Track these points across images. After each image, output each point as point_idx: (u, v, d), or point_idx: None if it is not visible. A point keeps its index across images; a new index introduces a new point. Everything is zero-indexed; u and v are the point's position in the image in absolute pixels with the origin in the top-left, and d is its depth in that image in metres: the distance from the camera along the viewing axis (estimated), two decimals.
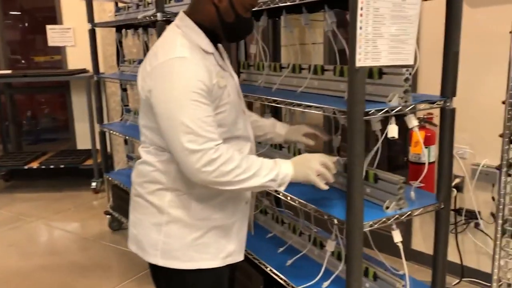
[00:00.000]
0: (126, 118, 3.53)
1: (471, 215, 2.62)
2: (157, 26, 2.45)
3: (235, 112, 1.45)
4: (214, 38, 1.43)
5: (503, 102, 1.40)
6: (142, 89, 1.39)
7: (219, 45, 1.51)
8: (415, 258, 2.94)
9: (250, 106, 2.26)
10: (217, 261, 1.48)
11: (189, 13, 1.42)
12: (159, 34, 2.44)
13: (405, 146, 2.90)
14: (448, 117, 1.60)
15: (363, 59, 1.37)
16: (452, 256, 2.70)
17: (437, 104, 1.57)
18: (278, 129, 1.78)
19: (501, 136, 1.41)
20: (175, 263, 1.44)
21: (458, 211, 2.67)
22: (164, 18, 2.45)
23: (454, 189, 2.65)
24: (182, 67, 1.28)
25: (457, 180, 2.65)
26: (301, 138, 1.75)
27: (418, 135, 1.78)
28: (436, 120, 2.70)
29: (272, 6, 1.75)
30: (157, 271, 1.54)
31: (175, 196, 1.43)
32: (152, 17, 2.49)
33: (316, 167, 1.42)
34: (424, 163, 2.53)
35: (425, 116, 2.65)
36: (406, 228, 2.97)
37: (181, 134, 1.27)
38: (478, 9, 2.43)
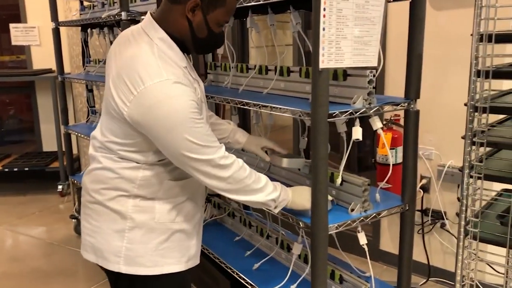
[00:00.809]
0: (92, 120, 3.44)
1: (438, 216, 2.66)
2: (122, 25, 2.39)
3: (205, 118, 1.43)
4: (183, 49, 1.40)
5: (465, 104, 1.41)
6: (121, 112, 1.30)
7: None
8: (383, 259, 2.96)
9: (218, 107, 2.24)
10: (181, 265, 1.47)
11: (159, 21, 1.36)
12: None
13: (373, 147, 2.92)
14: (412, 119, 1.60)
15: (326, 61, 1.35)
16: (419, 256, 2.73)
17: (401, 106, 1.57)
18: (237, 137, 1.80)
19: (463, 138, 1.42)
20: (139, 269, 1.41)
21: (424, 212, 2.70)
22: (129, 18, 2.39)
23: (420, 190, 2.68)
24: (176, 90, 1.26)
25: (423, 181, 2.68)
26: (258, 151, 1.78)
27: (383, 137, 1.78)
28: (403, 121, 2.73)
29: (237, 6, 1.72)
30: (118, 280, 1.50)
31: (138, 201, 1.41)
32: (116, 17, 2.43)
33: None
34: (392, 164, 2.55)
35: (392, 118, 2.67)
36: (374, 228, 2.99)
37: (190, 151, 1.29)
38: (442, 12, 2.46)
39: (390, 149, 2.61)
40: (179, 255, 1.46)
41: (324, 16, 1.31)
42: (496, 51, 1.39)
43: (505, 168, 1.48)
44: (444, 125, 2.56)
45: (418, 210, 2.68)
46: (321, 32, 1.32)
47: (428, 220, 2.70)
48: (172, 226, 1.45)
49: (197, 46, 1.40)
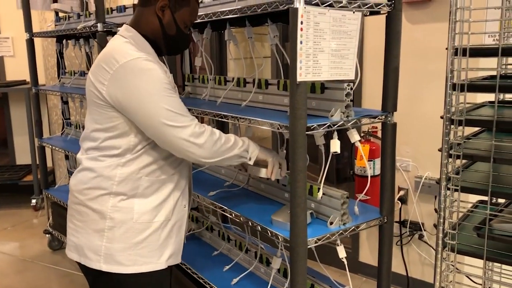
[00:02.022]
0: (67, 132, 3.37)
1: (415, 227, 2.67)
2: (98, 37, 2.35)
3: None
4: (156, 51, 1.53)
5: (442, 117, 1.42)
6: (100, 92, 1.40)
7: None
8: (363, 271, 2.95)
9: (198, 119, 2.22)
10: (160, 264, 1.51)
11: (133, 25, 1.51)
12: (100, 45, 2.35)
13: (352, 159, 2.93)
14: (389, 131, 1.61)
15: (304, 74, 1.35)
16: (398, 267, 2.73)
17: (378, 119, 1.57)
18: None
19: (440, 150, 1.43)
20: (119, 268, 1.46)
21: (403, 223, 2.71)
22: (105, 29, 2.36)
23: (398, 202, 2.69)
24: (148, 65, 1.37)
25: (401, 193, 2.70)
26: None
27: (360, 150, 1.78)
28: (381, 133, 2.75)
29: (214, 18, 1.72)
30: (97, 279, 1.52)
31: (118, 201, 1.46)
32: (92, 28, 2.39)
33: (276, 160, 1.61)
34: (370, 176, 2.57)
35: (369, 130, 2.68)
36: (354, 240, 2.99)
37: (168, 119, 1.37)
38: (418, 26, 2.50)
39: (368, 160, 2.63)
40: (158, 254, 1.50)
41: (301, 29, 1.31)
42: (471, 65, 1.41)
43: (480, 180, 1.49)
44: (421, 137, 2.59)
45: (396, 222, 2.69)
46: (299, 45, 1.32)
47: (406, 232, 2.71)
48: (150, 225, 1.48)
49: (167, 44, 1.53)
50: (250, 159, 1.56)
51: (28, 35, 3.19)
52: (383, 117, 1.59)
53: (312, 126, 1.40)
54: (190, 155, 1.43)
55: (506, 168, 1.58)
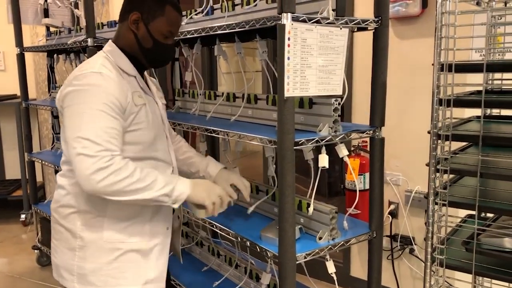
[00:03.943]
0: (57, 147, 3.35)
1: (406, 241, 2.67)
2: (88, 51, 2.36)
3: (153, 133, 1.48)
4: (137, 64, 1.51)
5: (429, 132, 1.43)
6: (58, 101, 1.43)
7: (145, 73, 1.61)
8: (354, 285, 2.94)
9: (186, 134, 2.22)
10: (136, 287, 1.47)
11: (115, 40, 1.52)
12: None
13: (342, 172, 2.94)
14: (377, 146, 1.62)
15: (291, 89, 1.36)
16: (389, 282, 2.72)
17: (366, 134, 1.58)
18: (209, 169, 1.73)
19: (427, 165, 1.44)
20: None
21: (393, 237, 2.71)
22: (95, 44, 2.36)
23: (389, 216, 2.69)
24: (96, 80, 1.34)
25: (391, 207, 2.70)
26: (227, 187, 1.66)
27: (349, 164, 1.78)
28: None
29: (204, 34, 1.73)
30: None
31: (87, 220, 1.44)
32: (82, 43, 2.40)
33: (213, 198, 1.47)
34: (360, 190, 2.57)
35: (360, 144, 2.69)
36: (345, 254, 2.98)
37: (79, 140, 1.29)
38: (406, 41, 2.53)
39: (359, 175, 2.63)
40: (133, 276, 1.46)
41: (288, 45, 1.32)
42: (459, 80, 1.43)
43: (468, 195, 1.50)
44: (410, 151, 2.60)
45: (387, 236, 2.69)
46: (286, 61, 1.33)
47: (397, 246, 2.70)
48: (121, 246, 1.44)
49: (146, 57, 1.50)
50: (174, 203, 1.40)
51: (18, 49, 3.18)
52: (371, 132, 1.59)
53: (300, 141, 1.41)
54: (83, 187, 1.30)
55: (493, 183, 1.59)
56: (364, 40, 2.55)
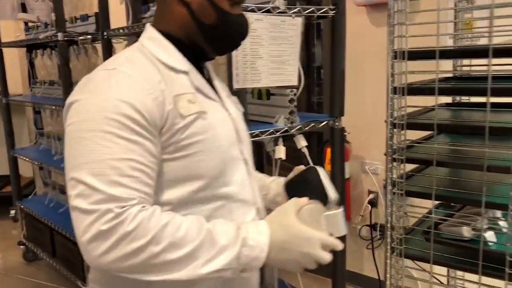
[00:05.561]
0: (40, 142, 3.36)
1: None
2: (59, 47, 2.34)
3: (221, 157, 0.95)
4: (192, 53, 0.99)
5: (385, 121, 1.41)
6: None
7: (209, 66, 1.08)
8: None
9: None
10: None
11: (155, 23, 1.01)
12: (60, 55, 2.33)
13: (322, 163, 2.92)
14: (337, 136, 1.60)
15: (242, 81, 1.34)
16: (370, 271, 2.72)
17: (324, 124, 1.56)
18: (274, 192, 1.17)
19: (385, 155, 1.42)
20: None
21: (373, 227, 2.70)
22: (66, 38, 2.34)
23: (369, 205, 2.68)
24: (102, 83, 0.86)
25: (371, 196, 2.68)
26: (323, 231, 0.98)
27: (307, 156, 1.76)
28: (349, 137, 2.74)
29: None
30: None
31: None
32: (53, 37, 2.38)
33: (309, 265, 0.89)
34: None
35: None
36: None
37: (72, 183, 0.82)
38: (381, 28, 2.49)
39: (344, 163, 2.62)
40: None
41: None
42: (416, 67, 1.40)
43: (430, 184, 1.48)
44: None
45: (367, 225, 2.68)
46: (235, 52, 1.31)
47: (377, 235, 2.69)
48: None
49: (207, 38, 0.98)
50: (242, 271, 0.86)
51: None
52: (330, 122, 1.58)
53: (254, 133, 1.39)
54: (85, 260, 0.83)
55: (460, 172, 1.57)
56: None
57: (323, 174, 1.03)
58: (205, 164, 0.92)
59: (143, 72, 0.89)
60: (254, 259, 0.85)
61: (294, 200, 0.93)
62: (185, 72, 0.96)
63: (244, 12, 1.02)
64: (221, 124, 0.98)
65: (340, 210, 0.91)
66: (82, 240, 0.79)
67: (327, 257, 0.88)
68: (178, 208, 0.90)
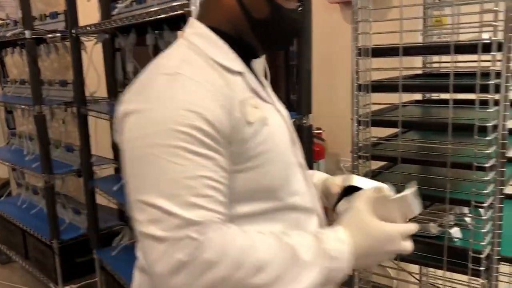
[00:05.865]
0: (13, 142, 3.29)
1: None
2: (27, 45, 2.29)
3: (285, 165, 0.88)
4: (243, 51, 0.90)
5: (351, 119, 1.41)
6: (116, 125, 0.85)
7: (257, 63, 0.98)
8: None
9: None
10: None
11: (201, 17, 0.91)
12: (28, 53, 2.28)
13: None
14: (305, 134, 1.59)
15: None
16: None
17: (293, 122, 1.55)
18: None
19: (351, 152, 1.42)
20: None
21: None
22: (34, 36, 2.29)
23: None
24: (169, 90, 0.76)
25: None
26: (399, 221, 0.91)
27: None
28: (324, 135, 2.75)
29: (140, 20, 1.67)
30: None
31: None
32: (20, 35, 2.33)
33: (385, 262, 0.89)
34: None
35: (313, 131, 2.68)
36: None
37: (140, 206, 0.73)
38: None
39: (313, 161, 2.62)
40: None
41: None
42: (385, 64, 1.39)
43: (400, 181, 1.48)
44: None
45: None
46: None
47: None
48: None
49: (259, 35, 0.89)
50: (326, 283, 0.79)
51: None
52: (297, 120, 1.57)
53: None
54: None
55: (424, 169, 1.57)
56: (324, 31, 2.52)
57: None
58: (272, 174, 0.85)
59: (206, 77, 0.79)
60: (340, 271, 0.79)
61: (362, 195, 0.85)
62: (240, 73, 0.86)
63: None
64: (279, 129, 0.90)
65: (408, 192, 0.82)
66: (158, 271, 0.70)
67: (409, 247, 0.83)
68: (248, 223, 0.82)
